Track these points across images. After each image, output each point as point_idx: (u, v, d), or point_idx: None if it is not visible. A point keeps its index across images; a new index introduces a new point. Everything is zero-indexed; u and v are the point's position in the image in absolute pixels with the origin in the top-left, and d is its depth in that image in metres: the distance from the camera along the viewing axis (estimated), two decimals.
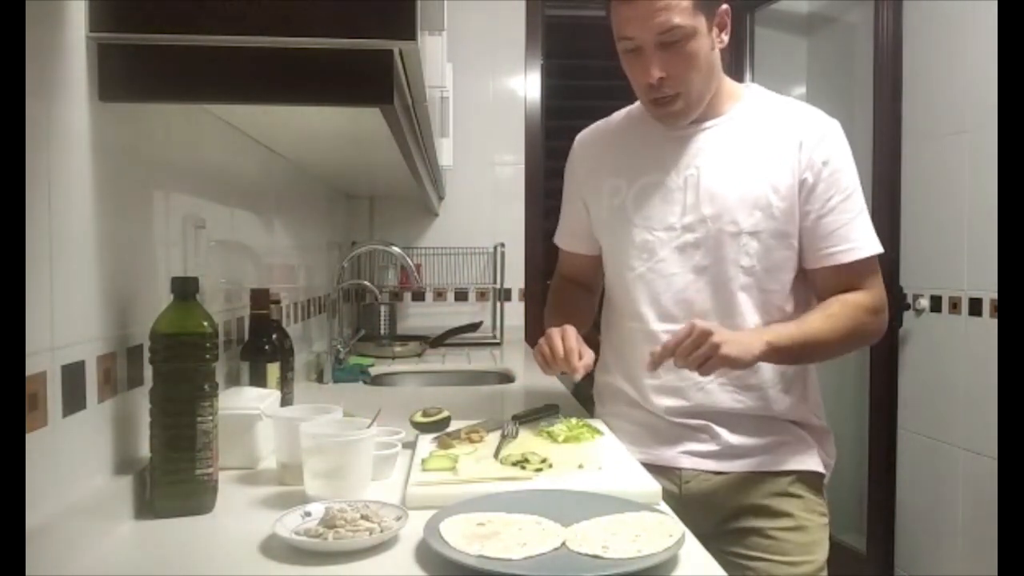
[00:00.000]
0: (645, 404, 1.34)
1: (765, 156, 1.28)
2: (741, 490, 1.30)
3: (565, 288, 1.55)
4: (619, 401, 1.40)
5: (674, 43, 1.21)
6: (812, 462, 1.32)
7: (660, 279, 1.31)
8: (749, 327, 1.27)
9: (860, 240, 1.28)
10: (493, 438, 1.26)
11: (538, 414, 1.44)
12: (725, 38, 1.28)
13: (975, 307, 2.51)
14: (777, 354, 1.21)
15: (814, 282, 1.32)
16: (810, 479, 1.32)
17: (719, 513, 1.30)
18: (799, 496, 1.30)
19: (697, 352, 1.15)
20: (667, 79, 1.24)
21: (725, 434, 1.30)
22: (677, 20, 1.20)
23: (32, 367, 0.77)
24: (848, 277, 1.29)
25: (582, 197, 1.44)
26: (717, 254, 1.28)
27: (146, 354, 1.01)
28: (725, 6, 1.26)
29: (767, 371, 1.30)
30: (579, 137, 1.49)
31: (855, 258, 1.28)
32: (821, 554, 1.30)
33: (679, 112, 1.28)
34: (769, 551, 1.28)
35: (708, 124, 1.31)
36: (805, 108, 1.33)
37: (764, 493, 1.30)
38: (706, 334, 1.15)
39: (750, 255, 1.27)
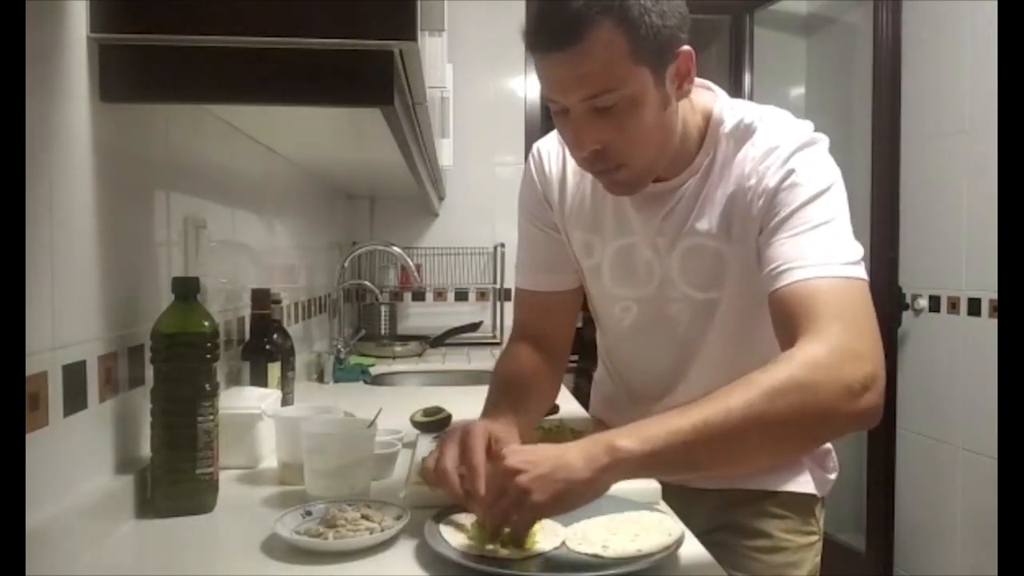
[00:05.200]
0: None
1: (733, 210, 1.04)
2: (720, 508, 1.21)
3: (518, 358, 1.22)
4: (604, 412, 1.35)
5: (608, 108, 0.94)
6: (802, 482, 1.21)
7: (639, 352, 1.19)
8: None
9: (804, 258, 0.92)
10: None
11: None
12: (689, 87, 1.00)
13: (974, 307, 2.51)
14: (642, 463, 0.79)
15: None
16: (798, 500, 1.21)
17: (695, 528, 1.12)
18: (782, 517, 1.20)
19: (500, 504, 0.80)
20: (603, 151, 0.98)
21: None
22: (609, 81, 0.92)
23: (33, 367, 0.77)
24: (793, 314, 0.90)
25: (558, 223, 1.20)
26: (691, 327, 1.12)
27: (147, 354, 1.02)
28: (686, 48, 0.96)
29: None
30: (542, 149, 1.21)
31: (790, 280, 0.92)
32: (799, 574, 1.21)
33: (625, 184, 1.03)
34: (735, 567, 1.18)
35: (673, 184, 1.08)
36: (769, 129, 1.04)
37: (744, 512, 1.20)
38: (511, 474, 0.79)
39: (726, 323, 1.10)
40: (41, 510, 0.77)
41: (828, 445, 1.27)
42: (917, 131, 2.79)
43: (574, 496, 0.80)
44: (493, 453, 0.90)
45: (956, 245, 2.59)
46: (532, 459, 0.80)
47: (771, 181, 1.00)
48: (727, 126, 1.06)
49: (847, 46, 3.29)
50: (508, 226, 3.14)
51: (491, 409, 1.10)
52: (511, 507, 0.79)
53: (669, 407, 0.86)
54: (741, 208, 1.03)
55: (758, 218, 1.00)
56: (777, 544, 1.21)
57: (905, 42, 2.83)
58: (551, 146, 1.20)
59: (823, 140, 1.04)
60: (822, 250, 0.93)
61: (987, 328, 2.44)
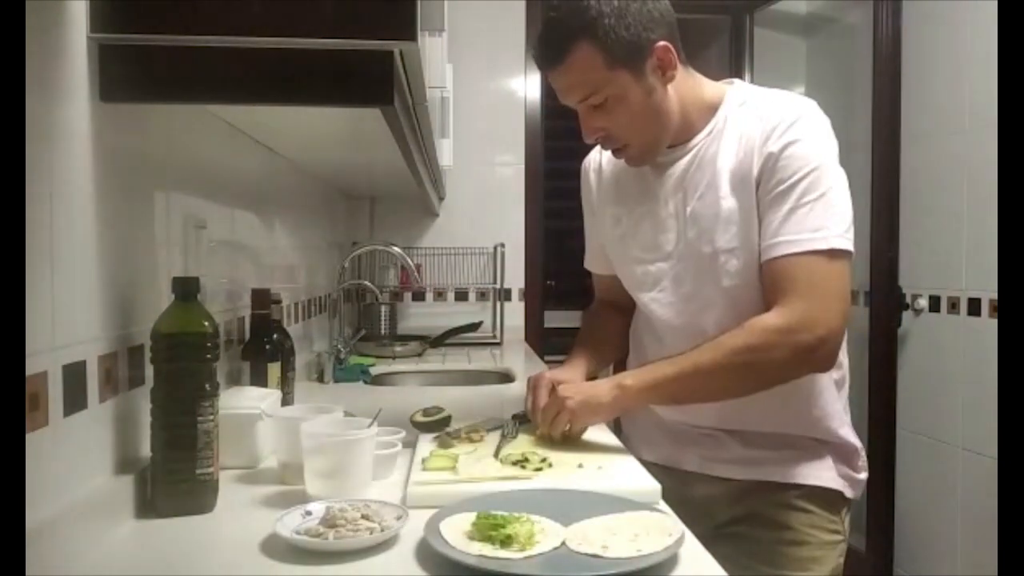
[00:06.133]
0: (659, 412, 1.34)
1: (736, 168, 1.19)
2: (744, 498, 1.26)
3: (599, 313, 1.52)
4: None
5: (601, 104, 1.17)
6: (826, 478, 1.25)
7: (662, 308, 1.28)
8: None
9: (797, 233, 1.11)
10: (493, 438, 1.26)
11: None
12: (673, 74, 1.19)
13: (974, 307, 2.51)
14: (639, 396, 1.19)
15: None
16: (823, 495, 1.25)
17: (718, 517, 1.27)
18: (806, 511, 1.24)
19: (550, 414, 1.22)
20: (607, 136, 1.21)
21: (737, 446, 1.26)
22: (592, 87, 1.15)
23: (33, 367, 0.77)
24: (774, 282, 1.14)
25: (597, 220, 1.42)
26: (699, 277, 1.23)
27: (147, 354, 1.02)
28: (662, 43, 1.16)
29: (780, 392, 1.19)
30: (584, 162, 1.45)
31: (776, 254, 1.13)
32: (820, 570, 1.24)
33: (636, 158, 1.25)
34: (757, 558, 1.23)
35: (688, 147, 1.24)
36: (773, 101, 1.21)
37: (767, 503, 1.25)
38: (562, 400, 1.21)
39: (730, 274, 1.19)
40: (41, 510, 0.77)
41: (857, 444, 1.29)
42: (917, 131, 2.79)
43: (601, 413, 1.24)
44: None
45: (956, 245, 2.59)
46: (575, 390, 1.24)
47: (773, 146, 1.15)
48: (736, 101, 1.24)
49: (847, 46, 3.29)
50: (508, 226, 3.15)
51: (569, 358, 1.42)
52: (562, 421, 1.21)
53: None
54: (744, 165, 1.17)
55: (757, 178, 1.16)
56: (800, 537, 1.23)
57: (905, 42, 2.83)
58: (593, 152, 1.42)
59: (825, 118, 1.19)
60: (814, 224, 1.11)
61: (987, 328, 2.44)
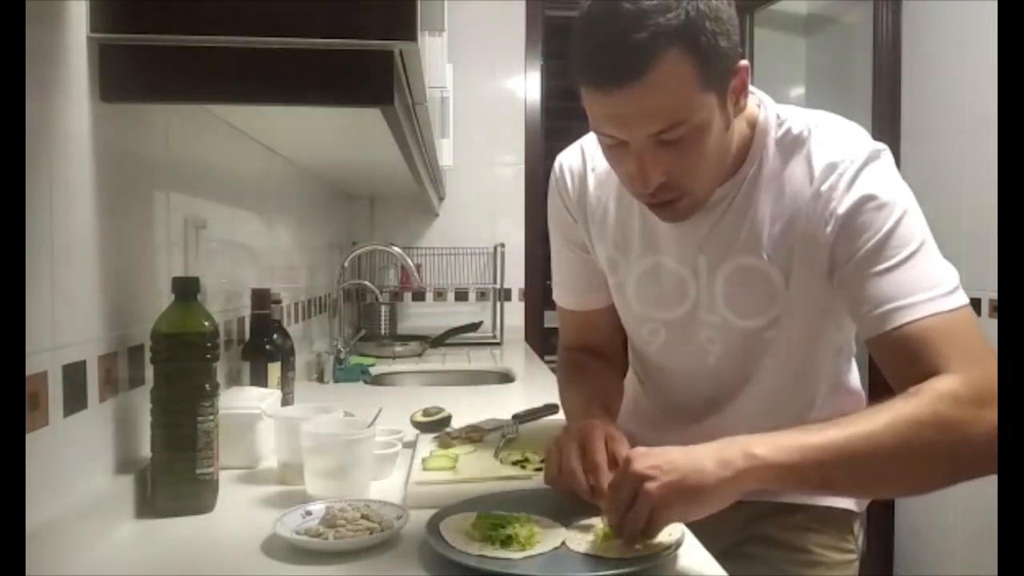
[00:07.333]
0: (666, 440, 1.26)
1: (783, 230, 0.97)
2: (754, 521, 1.15)
3: (585, 365, 1.21)
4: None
5: (677, 139, 0.88)
6: (840, 499, 1.15)
7: (673, 375, 1.13)
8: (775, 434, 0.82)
9: (909, 296, 0.88)
10: (493, 438, 1.26)
11: (538, 414, 1.44)
12: (745, 102, 0.94)
13: (974, 307, 2.51)
14: (772, 475, 0.79)
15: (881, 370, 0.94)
16: (834, 515, 1.16)
17: (727, 540, 1.13)
18: (817, 531, 1.15)
19: (632, 512, 0.78)
20: (667, 183, 0.92)
21: None
22: (679, 114, 0.86)
23: (33, 367, 0.77)
24: (914, 358, 0.87)
25: (585, 239, 1.15)
26: (729, 355, 1.05)
27: (147, 354, 1.02)
28: (744, 63, 0.90)
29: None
30: (564, 165, 1.15)
31: (901, 322, 0.87)
32: None
33: (683, 211, 0.96)
34: None
35: (717, 193, 0.99)
36: (830, 149, 0.96)
37: (779, 525, 1.15)
38: (639, 480, 0.78)
39: (778, 355, 1.03)
40: (41, 510, 0.77)
41: None
42: (916, 131, 2.80)
43: (704, 503, 0.79)
44: (611, 452, 0.91)
45: (955, 245, 2.59)
46: (660, 464, 0.78)
47: (841, 206, 0.93)
48: (774, 135, 0.99)
49: (847, 46, 3.30)
50: (508, 226, 3.15)
51: (587, 413, 1.04)
52: (641, 514, 0.77)
53: (715, 430, 0.85)
54: (803, 232, 0.96)
55: (828, 246, 0.94)
56: (813, 558, 1.16)
57: (905, 42, 2.83)
58: (572, 161, 1.15)
59: (886, 152, 0.97)
60: (924, 283, 0.89)
61: (987, 328, 2.44)
